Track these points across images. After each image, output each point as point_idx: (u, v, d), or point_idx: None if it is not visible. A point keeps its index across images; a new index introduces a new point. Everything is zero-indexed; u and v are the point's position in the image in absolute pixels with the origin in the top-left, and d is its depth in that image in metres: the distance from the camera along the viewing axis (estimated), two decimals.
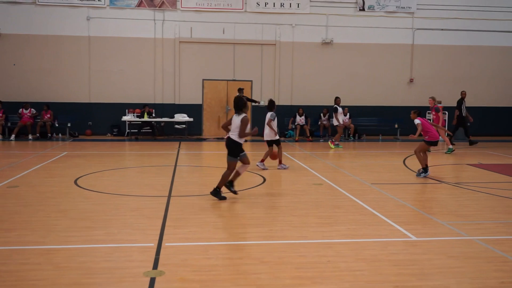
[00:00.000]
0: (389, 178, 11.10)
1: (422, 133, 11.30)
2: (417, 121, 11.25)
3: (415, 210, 8.05)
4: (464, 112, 17.52)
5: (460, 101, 17.83)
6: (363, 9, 20.46)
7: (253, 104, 19.41)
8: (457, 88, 20.85)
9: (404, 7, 20.65)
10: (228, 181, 8.61)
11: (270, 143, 12.09)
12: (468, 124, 17.76)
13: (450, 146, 15.33)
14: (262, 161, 12.07)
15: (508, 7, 20.91)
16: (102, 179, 10.56)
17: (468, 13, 20.80)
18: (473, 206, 8.44)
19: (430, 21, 20.75)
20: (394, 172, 12.01)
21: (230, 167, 8.57)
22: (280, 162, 12.14)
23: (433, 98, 16.29)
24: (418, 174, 11.17)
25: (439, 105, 19.33)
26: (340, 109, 16.73)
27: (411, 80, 20.92)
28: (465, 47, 21.04)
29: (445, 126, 15.66)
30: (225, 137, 8.96)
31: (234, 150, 8.50)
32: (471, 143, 17.63)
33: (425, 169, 11.09)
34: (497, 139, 19.92)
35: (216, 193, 8.56)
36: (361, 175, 11.24)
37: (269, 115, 12.09)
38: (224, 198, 8.55)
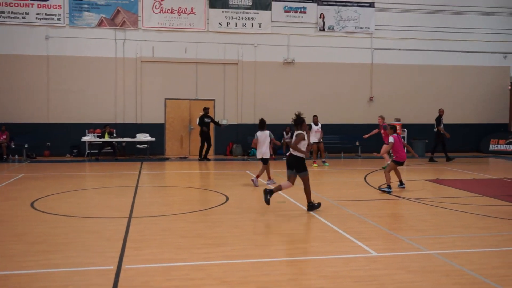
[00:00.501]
0: (351, 195, 11.25)
1: (391, 151, 11.82)
2: (391, 139, 11.75)
3: (376, 226, 8.16)
4: (441, 129, 18.03)
5: (439, 118, 18.44)
6: (323, 29, 20.90)
7: (216, 125, 19.42)
8: (414, 105, 21.48)
9: (363, 28, 21.21)
10: (269, 190, 9.15)
11: (265, 161, 12.45)
12: (446, 140, 18.26)
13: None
14: (258, 176, 12.50)
15: (460, 28, 21.75)
16: (61, 201, 10.28)
17: (424, 34, 21.54)
18: (432, 221, 8.63)
19: (387, 41, 21.36)
20: (355, 189, 12.17)
21: (305, 181, 9.24)
22: (269, 178, 12.66)
23: (381, 117, 16.74)
24: (382, 189, 11.51)
25: (397, 122, 19.85)
26: (314, 127, 16.97)
27: (371, 98, 21.40)
28: (421, 66, 21.73)
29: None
30: (287, 154, 9.66)
31: (301, 165, 9.22)
32: (448, 159, 18.11)
33: (389, 186, 11.38)
34: (453, 155, 20.51)
35: (312, 206, 9.24)
36: (323, 192, 11.35)
37: (267, 133, 12.42)
38: (319, 205, 9.32)
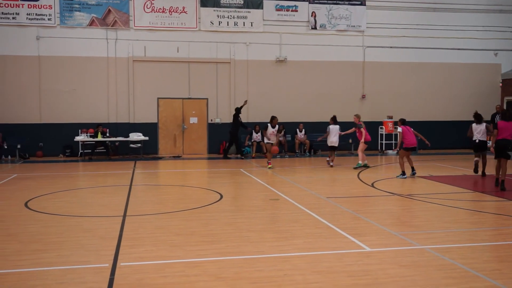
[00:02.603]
0: (344, 192, 11.32)
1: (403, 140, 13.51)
2: (399, 129, 13.55)
3: (369, 222, 8.23)
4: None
5: (494, 115, 18.76)
6: (315, 28, 20.97)
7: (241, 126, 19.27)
8: (407, 103, 21.59)
9: (354, 26, 21.29)
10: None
11: (334, 148, 16.41)
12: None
13: (359, 162, 15.59)
14: (332, 160, 15.99)
15: (451, 26, 21.89)
16: (54, 200, 10.27)
17: (415, 32, 21.66)
18: (424, 217, 8.71)
19: (379, 39, 21.46)
20: (348, 186, 12.25)
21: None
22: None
23: (357, 116, 16.48)
24: (398, 176, 13.28)
25: (389, 120, 19.98)
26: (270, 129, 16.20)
27: (363, 96, 21.50)
28: (413, 64, 21.85)
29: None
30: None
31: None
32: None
33: (403, 172, 13.19)
34: (445, 152, 20.66)
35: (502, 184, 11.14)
36: (317, 189, 11.41)
37: (337, 127, 16.30)
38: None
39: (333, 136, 16.15)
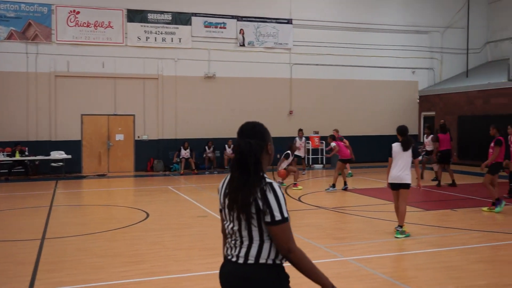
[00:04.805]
0: None
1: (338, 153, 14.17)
2: (333, 144, 14.29)
3: (295, 236, 8.32)
4: None
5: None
6: (244, 45, 21.23)
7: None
8: (332, 118, 22.26)
9: (281, 43, 21.78)
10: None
11: None
12: None
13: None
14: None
15: (373, 45, 22.95)
16: None
17: (339, 50, 22.49)
18: (347, 229, 8.98)
19: (306, 57, 22.07)
20: None
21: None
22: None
23: (336, 130, 16.89)
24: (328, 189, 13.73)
25: (315, 135, 20.50)
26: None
27: (291, 112, 21.95)
28: (338, 81, 22.62)
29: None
30: None
31: None
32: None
33: (334, 185, 13.67)
34: (368, 165, 21.47)
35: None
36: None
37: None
38: None
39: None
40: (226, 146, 20.25)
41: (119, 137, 19.75)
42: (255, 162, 2.81)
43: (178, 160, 19.51)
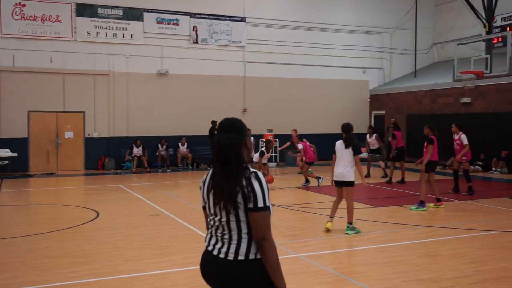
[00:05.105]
0: None
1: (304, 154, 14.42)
2: (300, 146, 14.44)
3: None
4: None
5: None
6: (197, 42, 21.08)
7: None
8: (285, 116, 22.47)
9: (235, 41, 21.78)
10: None
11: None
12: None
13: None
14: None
15: (325, 44, 23.31)
16: None
17: (292, 49, 22.73)
18: (299, 226, 9.10)
19: (259, 55, 22.17)
20: None
21: None
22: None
23: (295, 130, 16.96)
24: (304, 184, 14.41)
25: (269, 133, 20.64)
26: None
27: (245, 110, 22.01)
28: (291, 79, 22.85)
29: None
30: None
31: None
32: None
33: (307, 180, 14.47)
34: (320, 163, 21.81)
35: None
36: (199, 204, 11.39)
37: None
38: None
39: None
40: (180, 144, 20.08)
41: (69, 134, 19.21)
42: (236, 155, 2.86)
43: (130, 158, 19.18)
